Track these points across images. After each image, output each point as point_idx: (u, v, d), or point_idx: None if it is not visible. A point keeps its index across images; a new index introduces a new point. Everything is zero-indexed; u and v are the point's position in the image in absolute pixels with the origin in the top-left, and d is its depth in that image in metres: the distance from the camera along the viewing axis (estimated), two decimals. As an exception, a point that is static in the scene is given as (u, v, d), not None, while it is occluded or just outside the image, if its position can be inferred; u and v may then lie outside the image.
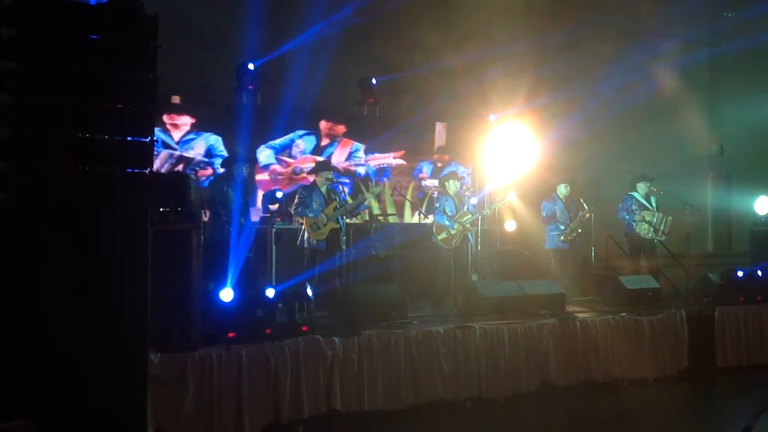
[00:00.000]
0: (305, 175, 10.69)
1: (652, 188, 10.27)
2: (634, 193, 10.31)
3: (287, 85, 10.22)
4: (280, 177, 10.81)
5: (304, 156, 10.99)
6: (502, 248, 11.09)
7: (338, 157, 11.33)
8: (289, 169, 10.85)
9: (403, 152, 11.89)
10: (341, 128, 11.41)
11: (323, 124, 11.26)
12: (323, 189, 8.64)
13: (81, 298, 4.99)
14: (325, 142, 11.27)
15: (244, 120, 10.09)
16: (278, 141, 10.78)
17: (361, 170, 11.52)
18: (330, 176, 8.70)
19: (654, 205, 10.29)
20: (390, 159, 11.79)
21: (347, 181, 11.07)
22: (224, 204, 7.90)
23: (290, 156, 10.93)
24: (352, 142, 11.48)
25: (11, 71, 4.96)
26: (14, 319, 4.80)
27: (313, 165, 10.40)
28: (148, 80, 5.19)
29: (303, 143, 11.01)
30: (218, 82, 10.17)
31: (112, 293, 5.10)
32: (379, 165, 11.73)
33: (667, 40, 13.57)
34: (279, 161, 10.79)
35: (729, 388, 8.38)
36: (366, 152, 11.62)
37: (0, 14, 4.88)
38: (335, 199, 8.66)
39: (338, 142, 11.36)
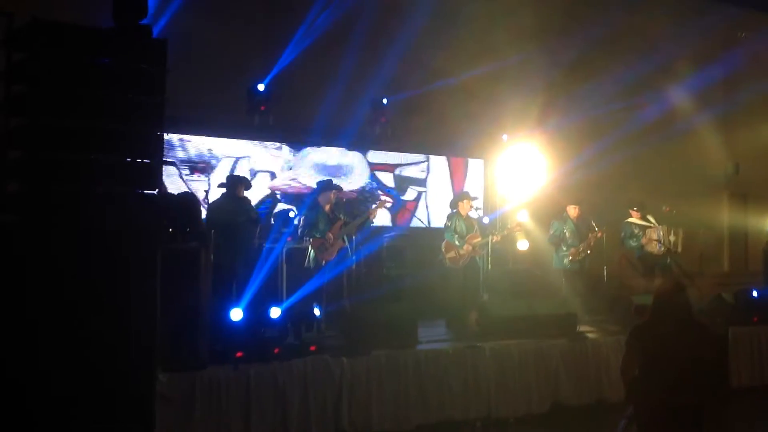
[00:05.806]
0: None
1: (646, 215, 10.40)
2: (630, 219, 10.44)
3: (298, 105, 10.28)
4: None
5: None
6: (513, 267, 11.05)
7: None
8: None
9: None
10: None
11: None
12: (327, 208, 8.67)
13: (90, 318, 5.05)
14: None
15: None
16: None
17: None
18: (333, 195, 8.75)
19: (653, 221, 10.34)
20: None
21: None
22: (228, 225, 7.96)
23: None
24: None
25: (23, 94, 5.07)
26: (22, 338, 4.87)
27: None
28: (156, 103, 5.29)
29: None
30: (231, 104, 10.25)
31: (120, 313, 5.16)
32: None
33: (680, 59, 13.54)
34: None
35: (743, 410, 8.25)
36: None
37: (11, 38, 5.00)
38: (340, 218, 8.69)
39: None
